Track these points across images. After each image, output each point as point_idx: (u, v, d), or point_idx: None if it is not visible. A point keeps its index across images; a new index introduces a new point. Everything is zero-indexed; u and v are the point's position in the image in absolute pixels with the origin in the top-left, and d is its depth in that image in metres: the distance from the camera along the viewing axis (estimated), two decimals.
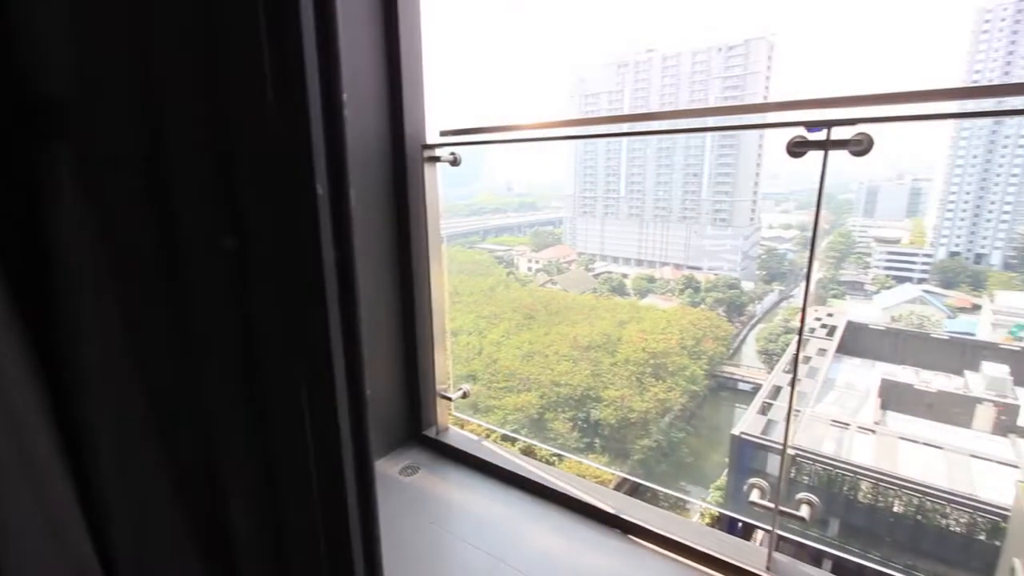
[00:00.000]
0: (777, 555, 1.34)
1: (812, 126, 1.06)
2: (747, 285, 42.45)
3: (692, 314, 32.43)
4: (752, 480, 1.35)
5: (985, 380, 18.87)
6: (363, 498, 0.49)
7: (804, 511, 1.29)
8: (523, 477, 1.85)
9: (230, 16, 0.38)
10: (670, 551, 1.46)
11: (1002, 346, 22.93)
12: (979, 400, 17.63)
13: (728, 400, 29.30)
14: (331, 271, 0.42)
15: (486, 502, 1.77)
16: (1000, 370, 19.26)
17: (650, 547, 1.49)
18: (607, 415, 23.89)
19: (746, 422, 16.79)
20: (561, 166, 64.10)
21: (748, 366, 32.66)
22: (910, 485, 13.51)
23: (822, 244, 53.61)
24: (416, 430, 2.16)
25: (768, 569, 1.33)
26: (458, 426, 2.30)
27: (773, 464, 15.79)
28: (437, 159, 1.94)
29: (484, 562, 1.49)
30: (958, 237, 48.68)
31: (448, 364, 2.20)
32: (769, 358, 29.18)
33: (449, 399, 2.16)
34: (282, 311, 0.45)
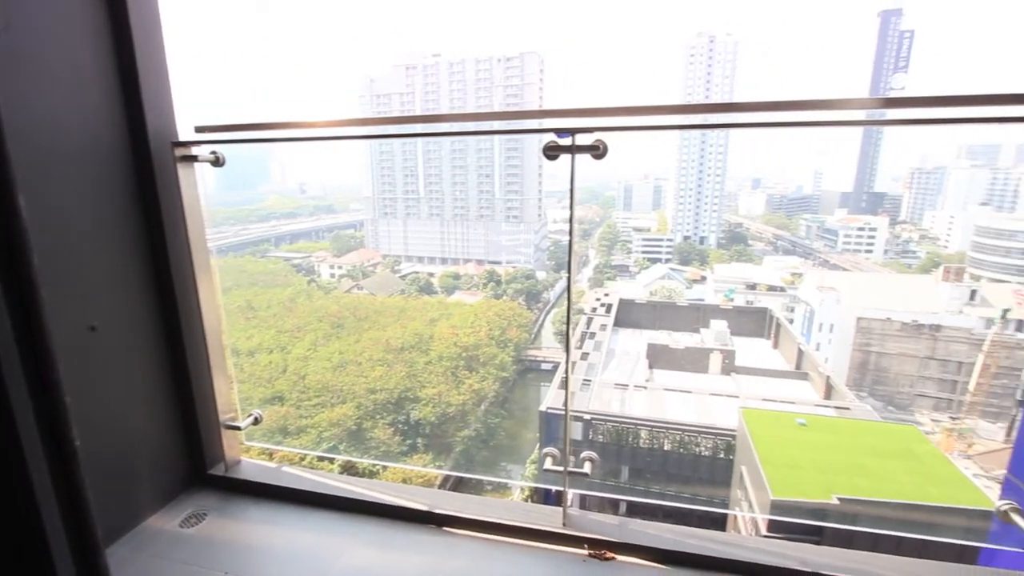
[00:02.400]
0: (571, 511, 1.52)
1: (561, 132, 1.22)
2: (541, 275, 46.84)
3: (496, 306, 34.52)
4: (545, 449, 1.51)
5: (713, 334, 24.27)
6: None
7: (587, 467, 1.48)
8: (334, 497, 1.75)
9: None
10: (482, 532, 1.54)
11: (722, 307, 29.97)
12: (711, 350, 22.61)
13: (535, 381, 32.01)
14: None
15: (291, 533, 1.63)
16: (722, 325, 25.03)
17: (464, 534, 1.55)
18: (426, 413, 23.99)
19: (549, 398, 18.61)
20: (357, 167, 61.58)
21: (547, 347, 36.15)
22: (673, 426, 16.62)
23: (595, 234, 61.78)
24: (199, 470, 1.87)
25: (564, 525, 1.50)
26: (266, 457, 2.07)
27: (576, 431, 17.81)
28: (194, 159, 1.69)
29: None
30: (688, 224, 61.42)
31: (233, 390, 1.95)
32: (563, 338, 32.75)
33: (238, 428, 1.92)
34: None
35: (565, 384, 1.48)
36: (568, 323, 1.34)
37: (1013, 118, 1.19)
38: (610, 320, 26.48)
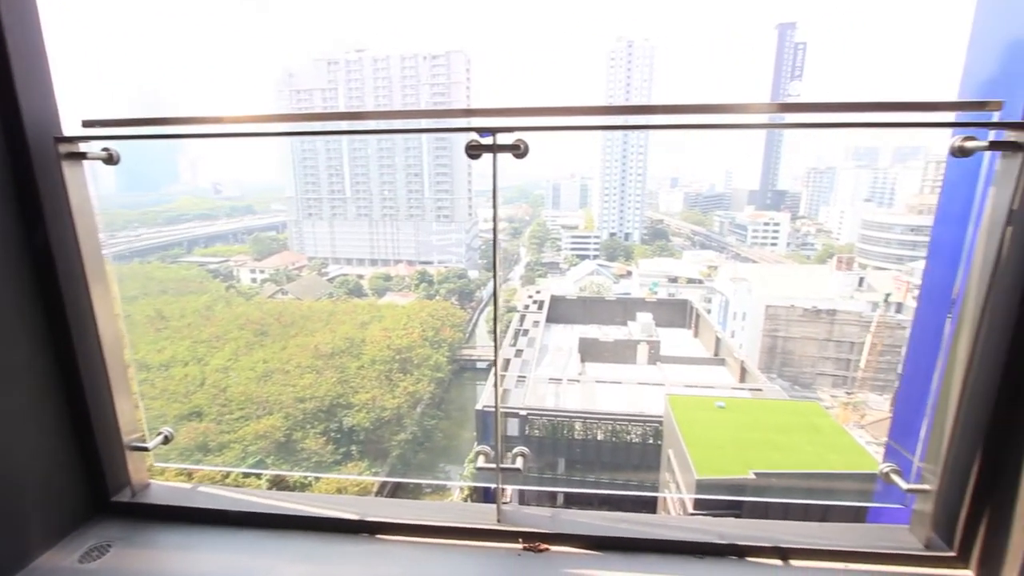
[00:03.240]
0: (505, 507, 1.54)
1: (483, 132, 1.23)
2: (473, 274, 46.80)
3: (429, 306, 34.11)
4: (478, 448, 1.52)
5: (640, 326, 25.42)
6: None
7: (519, 463, 1.51)
8: (259, 515, 1.65)
9: None
10: (416, 536, 1.52)
11: (647, 300, 31.48)
12: (638, 342, 23.67)
13: (470, 380, 31.97)
14: None
15: (210, 557, 1.53)
16: (647, 317, 26.29)
17: (398, 540, 1.52)
18: (360, 420, 23.27)
19: (485, 396, 18.71)
20: (278, 166, 58.35)
21: (482, 346, 36.19)
22: (606, 417, 17.23)
23: (525, 233, 62.53)
24: (101, 498, 1.70)
25: (499, 522, 1.51)
26: (184, 478, 1.91)
27: (513, 427, 17.99)
28: (83, 156, 1.53)
29: None
30: (613, 221, 63.69)
31: (139, 408, 1.80)
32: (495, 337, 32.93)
33: (145, 449, 1.77)
34: None
35: (495, 382, 1.49)
36: (495, 322, 1.36)
37: (890, 123, 1.34)
38: (543, 316, 26.95)
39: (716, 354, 23.66)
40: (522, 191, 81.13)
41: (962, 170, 1.45)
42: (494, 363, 1.49)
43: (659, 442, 15.96)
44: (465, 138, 1.33)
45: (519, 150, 1.26)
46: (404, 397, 24.59)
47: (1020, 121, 1.18)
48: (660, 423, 16.05)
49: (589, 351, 23.73)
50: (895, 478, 1.46)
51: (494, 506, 1.53)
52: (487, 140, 1.24)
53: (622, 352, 23.42)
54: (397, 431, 24.03)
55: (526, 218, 68.70)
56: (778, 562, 1.42)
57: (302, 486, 16.30)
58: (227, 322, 28.52)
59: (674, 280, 42.42)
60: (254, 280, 42.72)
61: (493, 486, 1.56)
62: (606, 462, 17.32)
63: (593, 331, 25.80)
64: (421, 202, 53.10)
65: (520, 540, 1.49)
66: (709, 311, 33.85)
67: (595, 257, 55.80)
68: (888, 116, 1.36)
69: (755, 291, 33.52)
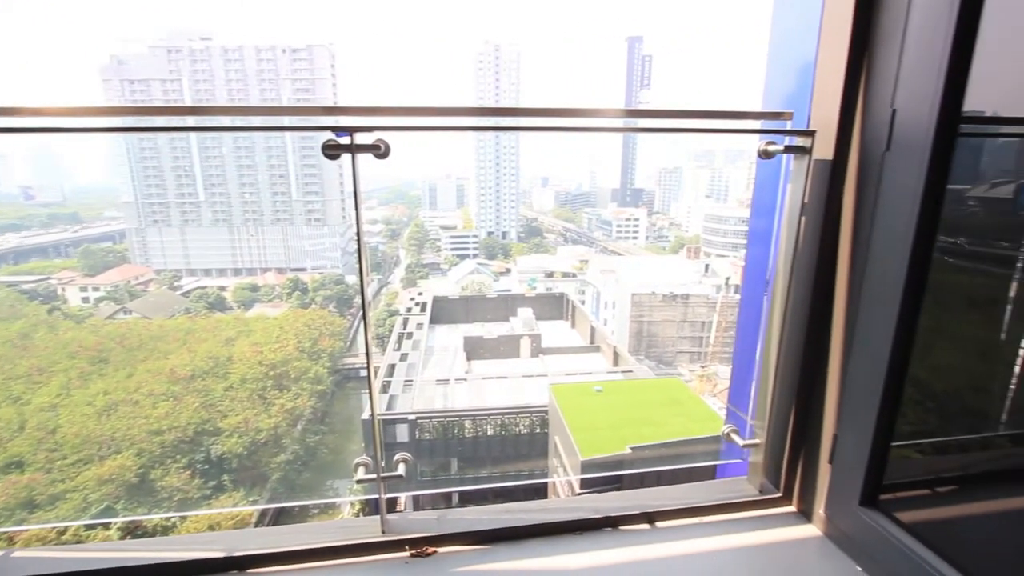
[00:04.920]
0: (390, 516, 1.50)
1: (339, 131, 1.18)
2: (351, 279, 44.71)
3: (305, 316, 31.95)
4: (356, 460, 1.46)
5: (521, 321, 26.30)
6: None
7: (401, 469, 1.48)
8: (101, 571, 1.42)
9: None
10: (294, 564, 1.43)
11: (526, 295, 32.69)
12: (521, 336, 24.47)
13: (355, 389, 30.56)
14: None
15: None
16: (528, 312, 27.30)
17: (273, 570, 1.42)
18: (232, 445, 21.08)
19: (377, 405, 18.02)
20: (109, 166, 50.32)
21: (364, 353, 34.77)
22: (494, 412, 17.57)
23: (404, 234, 61.31)
24: None
25: (384, 533, 1.47)
26: (3, 543, 1.57)
27: (402, 433, 17.57)
28: None
29: None
30: (490, 220, 64.98)
31: None
32: (381, 342, 31.88)
33: None
34: None
35: (369, 390, 1.45)
36: (367, 329, 1.32)
37: (722, 129, 1.53)
38: (426, 318, 26.66)
39: (592, 342, 25.29)
40: (398, 192, 79.34)
41: (769, 170, 1.72)
42: (367, 370, 1.43)
43: (546, 430, 16.66)
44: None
45: (380, 150, 1.23)
46: (282, 415, 22.78)
47: (806, 129, 1.43)
48: (545, 412, 16.74)
49: (474, 349, 23.98)
50: (734, 437, 1.69)
51: (378, 518, 1.49)
52: (344, 140, 1.19)
53: (506, 347, 24.01)
54: (276, 453, 22.20)
55: (404, 219, 67.31)
56: (646, 526, 1.57)
57: (164, 529, 14.46)
58: (52, 351, 24.15)
59: (550, 275, 44.53)
60: (86, 300, 36.59)
61: (385, 496, 1.52)
62: (498, 456, 17.67)
63: (477, 329, 26.11)
64: (289, 205, 49.37)
65: (407, 548, 1.46)
66: (583, 302, 36.17)
67: (475, 256, 56.49)
68: (714, 123, 1.56)
69: (622, 281, 36.45)
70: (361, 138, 1.22)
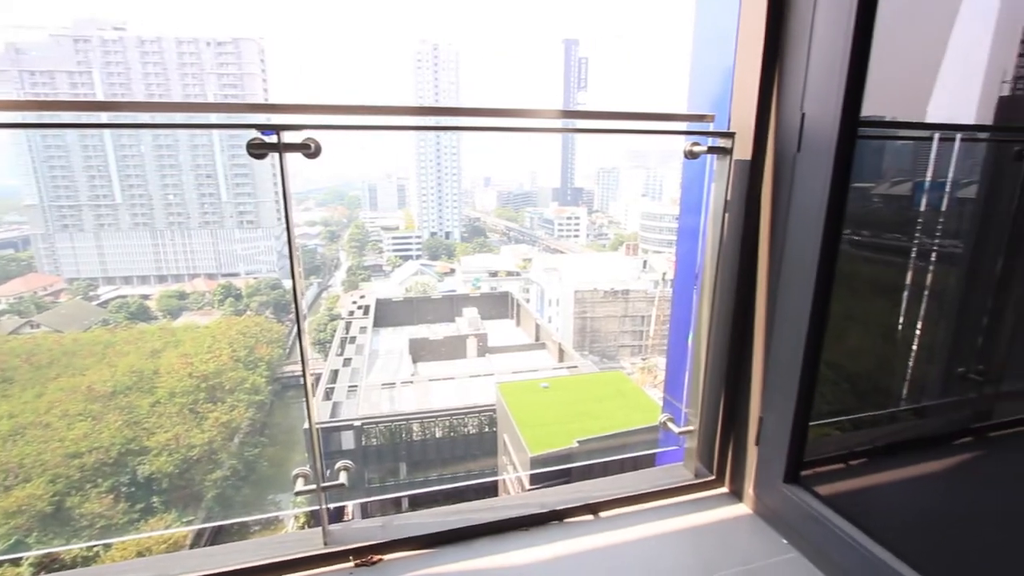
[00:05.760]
0: (332, 527, 1.46)
1: (265, 129, 1.13)
2: (288, 283, 42.81)
3: (239, 323, 30.32)
4: (295, 471, 1.41)
5: (467, 321, 26.22)
6: None
7: (343, 477, 1.44)
8: None
9: None
10: None
11: (471, 295, 32.63)
12: (467, 336, 24.40)
13: (296, 398, 29.32)
14: None
15: None
16: (473, 312, 27.25)
17: None
18: (161, 465, 19.72)
19: (315, 413, 17.41)
20: (7, 166, 45.41)
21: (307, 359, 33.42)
22: (442, 414, 17.42)
23: (344, 236, 59.58)
24: None
25: (326, 544, 1.43)
26: None
27: (348, 440, 17.06)
28: None
29: None
30: (433, 221, 64.34)
31: None
32: (323, 347, 30.81)
33: None
34: None
35: (305, 397, 1.40)
36: (300, 335, 1.27)
37: (650, 131, 1.59)
38: (369, 322, 26.04)
39: (537, 339, 25.59)
40: (336, 193, 76.85)
41: (695, 170, 1.81)
42: (303, 378, 1.38)
43: (494, 429, 16.70)
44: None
45: (310, 150, 1.19)
46: (216, 429, 21.55)
47: (726, 131, 1.52)
48: (494, 411, 16.79)
49: (420, 351, 23.66)
50: (670, 425, 1.77)
51: (319, 529, 1.44)
52: (271, 138, 1.14)
53: (452, 348, 23.86)
54: (211, 469, 20.98)
55: (343, 220, 65.30)
56: (590, 517, 1.61)
57: (86, 560, 13.36)
58: None
59: (494, 274, 44.69)
60: None
61: (332, 506, 1.48)
62: (447, 457, 17.54)
63: (422, 331, 25.79)
64: (219, 207, 46.60)
65: (351, 558, 1.43)
66: (528, 300, 36.57)
67: (418, 257, 55.71)
68: (644, 124, 1.62)
69: (565, 279, 37.14)
70: (289, 137, 1.17)
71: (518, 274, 45.07)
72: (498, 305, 30.09)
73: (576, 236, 65.24)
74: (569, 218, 66.53)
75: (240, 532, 18.89)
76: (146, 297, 38.83)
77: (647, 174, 79.33)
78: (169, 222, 45.62)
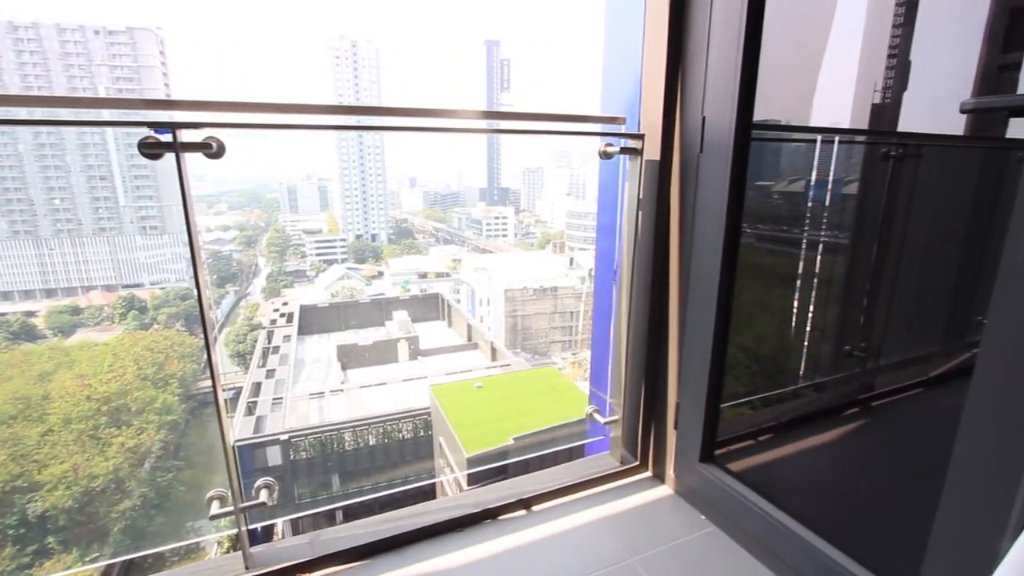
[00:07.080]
0: (254, 549, 1.39)
1: (159, 128, 1.05)
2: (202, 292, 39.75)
3: (145, 338, 27.81)
4: (209, 494, 1.32)
5: (397, 324, 25.67)
6: None
7: (264, 496, 1.37)
8: None
9: None
10: None
11: (401, 298, 32.00)
12: (397, 340, 23.89)
13: (214, 415, 27.06)
14: None
15: None
16: (403, 315, 26.74)
17: None
18: (57, 499, 17.72)
19: (236, 429, 16.31)
20: None
21: (225, 373, 31.33)
22: (375, 420, 16.96)
23: (262, 241, 56.34)
24: None
25: (247, 569, 1.35)
26: None
27: (274, 455, 16.14)
28: None
29: None
30: (358, 223, 62.38)
31: None
32: (243, 359, 28.95)
33: None
34: None
35: (216, 412, 1.31)
36: (208, 347, 1.19)
37: (567, 132, 1.63)
38: (294, 330, 24.83)
39: (469, 340, 25.54)
40: (252, 195, 72.35)
41: (611, 170, 1.89)
42: (214, 392, 1.28)
43: (430, 432, 16.48)
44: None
45: (211, 149, 1.11)
46: (123, 455, 19.68)
47: (636, 133, 1.60)
48: (428, 414, 16.56)
49: (349, 357, 22.86)
50: (596, 416, 1.83)
51: (239, 553, 1.36)
52: (167, 137, 1.06)
53: (383, 353, 23.27)
54: (118, 499, 19.14)
55: (261, 224, 61.61)
56: (523, 512, 1.64)
57: None
58: None
59: (424, 276, 44.06)
60: None
61: (259, 525, 1.39)
62: (382, 464, 17.09)
63: (351, 336, 24.94)
64: (116, 212, 42.40)
65: None
66: (459, 301, 36.42)
67: (344, 261, 53.70)
68: (562, 125, 1.66)
69: (495, 278, 37.37)
70: (188, 135, 1.09)
71: (448, 275, 44.70)
72: (429, 307, 29.71)
73: (504, 235, 65.73)
74: (497, 218, 66.90)
75: (156, 564, 17.31)
76: (31, 314, 34.73)
77: (571, 173, 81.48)
78: (57, 229, 40.99)
